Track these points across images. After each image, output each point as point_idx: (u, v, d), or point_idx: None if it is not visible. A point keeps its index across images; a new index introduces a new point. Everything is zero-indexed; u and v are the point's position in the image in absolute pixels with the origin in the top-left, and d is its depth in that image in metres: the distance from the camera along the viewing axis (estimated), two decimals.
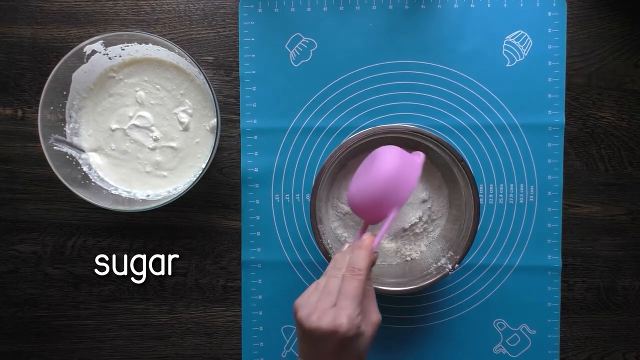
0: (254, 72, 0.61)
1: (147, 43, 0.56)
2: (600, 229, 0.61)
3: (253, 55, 0.61)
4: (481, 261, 0.60)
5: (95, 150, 0.60)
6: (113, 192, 0.59)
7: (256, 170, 0.61)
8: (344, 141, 0.54)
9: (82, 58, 0.56)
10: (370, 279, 0.44)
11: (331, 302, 0.40)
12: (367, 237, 0.44)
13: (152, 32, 0.59)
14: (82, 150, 0.60)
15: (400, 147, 0.58)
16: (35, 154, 0.62)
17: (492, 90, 0.60)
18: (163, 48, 0.56)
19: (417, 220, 0.58)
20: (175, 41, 0.61)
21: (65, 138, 0.58)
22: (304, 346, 0.41)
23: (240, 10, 0.61)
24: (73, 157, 0.58)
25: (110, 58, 0.58)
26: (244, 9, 0.61)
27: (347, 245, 0.45)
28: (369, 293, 0.43)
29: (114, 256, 0.62)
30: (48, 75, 0.54)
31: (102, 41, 0.55)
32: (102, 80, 0.59)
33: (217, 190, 0.62)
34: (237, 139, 0.61)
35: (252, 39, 0.61)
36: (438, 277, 0.53)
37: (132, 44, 0.57)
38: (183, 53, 0.53)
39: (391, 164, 0.44)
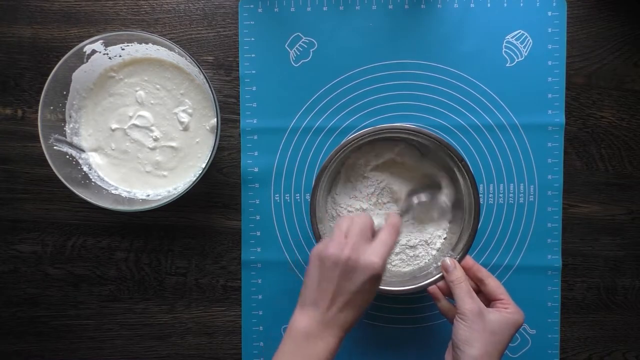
0: (254, 72, 0.61)
1: (147, 43, 0.56)
2: (600, 228, 0.61)
3: (253, 55, 0.61)
4: (481, 261, 0.60)
5: (95, 150, 0.60)
6: (113, 192, 0.59)
7: (256, 170, 0.61)
8: (343, 141, 0.54)
9: (82, 58, 0.56)
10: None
11: (364, 239, 0.44)
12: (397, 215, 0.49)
13: (152, 32, 0.59)
14: (82, 150, 0.60)
15: (401, 146, 0.58)
16: (35, 154, 0.62)
17: (492, 90, 0.60)
18: (163, 48, 0.56)
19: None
20: (175, 41, 0.61)
21: (65, 138, 0.58)
22: (322, 277, 0.44)
23: (240, 10, 0.61)
24: (73, 157, 0.58)
25: (110, 58, 0.58)
26: (244, 9, 0.61)
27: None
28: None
29: (114, 256, 0.62)
30: (48, 75, 0.54)
31: (102, 41, 0.55)
32: (102, 80, 0.59)
33: (217, 190, 0.62)
34: (237, 138, 0.61)
35: (252, 39, 0.61)
36: (438, 277, 0.53)
37: (132, 44, 0.57)
38: (183, 53, 0.53)
39: None
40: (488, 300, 0.51)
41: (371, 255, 0.43)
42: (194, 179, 0.55)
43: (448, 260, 0.51)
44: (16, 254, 0.62)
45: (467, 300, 0.48)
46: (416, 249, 0.58)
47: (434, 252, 0.58)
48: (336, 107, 0.61)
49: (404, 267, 0.58)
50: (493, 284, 0.51)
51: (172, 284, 0.62)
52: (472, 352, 0.46)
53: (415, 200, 0.57)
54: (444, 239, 0.58)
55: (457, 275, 0.50)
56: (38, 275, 0.63)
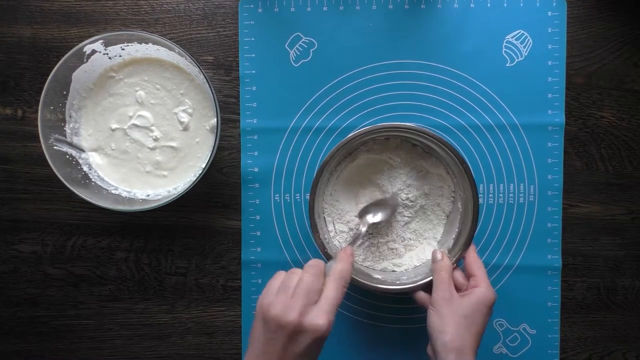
0: (254, 72, 0.61)
1: (147, 43, 0.56)
2: (600, 228, 0.61)
3: (253, 55, 0.61)
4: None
5: (95, 150, 0.60)
6: (113, 191, 0.59)
7: (256, 170, 0.61)
8: (344, 139, 0.54)
9: (82, 58, 0.56)
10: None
11: (310, 300, 0.43)
12: (349, 249, 0.48)
13: (152, 32, 0.59)
14: (82, 150, 0.60)
15: (403, 145, 0.58)
16: (35, 154, 0.62)
17: (492, 90, 0.60)
18: (163, 48, 0.56)
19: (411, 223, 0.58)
20: (175, 41, 0.61)
21: (65, 138, 0.58)
22: (266, 338, 0.42)
23: (240, 10, 0.61)
24: (73, 157, 0.58)
25: (110, 58, 0.58)
26: (244, 9, 0.61)
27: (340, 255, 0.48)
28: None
29: (114, 256, 0.62)
30: (48, 75, 0.54)
31: (102, 41, 0.55)
32: (102, 80, 0.59)
33: (217, 190, 0.62)
34: (237, 138, 0.61)
35: (252, 39, 0.61)
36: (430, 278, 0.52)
37: (132, 44, 0.57)
38: (183, 53, 0.53)
39: None
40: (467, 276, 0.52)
41: (316, 317, 0.42)
42: (194, 179, 0.55)
43: (438, 253, 0.52)
44: (16, 254, 0.62)
45: (440, 288, 0.48)
46: (401, 256, 0.58)
47: (421, 260, 0.58)
48: (336, 107, 0.61)
49: (399, 268, 0.58)
50: (469, 259, 0.51)
51: (172, 284, 0.62)
52: (444, 338, 0.46)
53: (370, 219, 0.56)
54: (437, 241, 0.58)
55: (442, 264, 0.50)
56: (38, 275, 0.63)
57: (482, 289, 0.49)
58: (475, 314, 0.47)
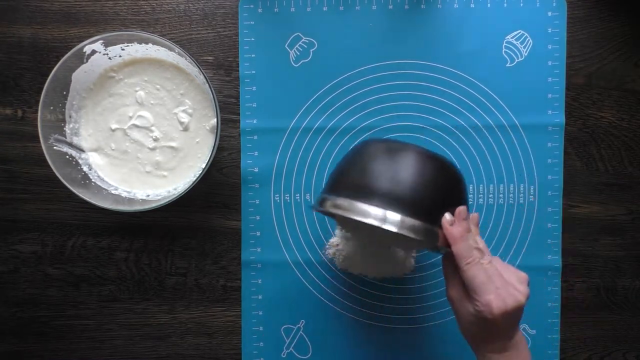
0: (254, 72, 0.61)
1: (147, 43, 0.56)
2: (600, 229, 0.61)
3: (253, 55, 0.61)
4: None
5: (95, 150, 0.60)
6: (113, 192, 0.59)
7: (256, 170, 0.61)
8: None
9: (82, 58, 0.56)
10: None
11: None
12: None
13: (152, 32, 0.59)
14: (82, 150, 0.60)
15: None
16: (35, 154, 0.62)
17: (492, 90, 0.60)
18: (163, 48, 0.56)
19: None
20: (175, 41, 0.61)
21: (65, 138, 0.58)
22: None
23: (240, 10, 0.61)
24: (73, 157, 0.58)
25: (110, 58, 0.58)
26: (244, 9, 0.61)
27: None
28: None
29: (114, 256, 0.62)
30: (48, 75, 0.54)
31: (102, 41, 0.55)
32: (102, 80, 0.59)
33: (217, 190, 0.62)
34: (237, 139, 0.61)
35: (252, 39, 0.61)
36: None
37: (132, 44, 0.57)
38: (183, 53, 0.53)
39: None
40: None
41: None
42: (194, 179, 0.55)
43: (447, 216, 0.44)
44: (16, 254, 0.62)
45: (448, 283, 0.48)
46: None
47: None
48: (336, 107, 0.61)
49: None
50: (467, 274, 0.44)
51: (172, 284, 0.62)
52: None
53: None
54: None
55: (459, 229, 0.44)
56: (38, 275, 0.63)
57: (480, 309, 0.43)
58: (474, 327, 0.45)
